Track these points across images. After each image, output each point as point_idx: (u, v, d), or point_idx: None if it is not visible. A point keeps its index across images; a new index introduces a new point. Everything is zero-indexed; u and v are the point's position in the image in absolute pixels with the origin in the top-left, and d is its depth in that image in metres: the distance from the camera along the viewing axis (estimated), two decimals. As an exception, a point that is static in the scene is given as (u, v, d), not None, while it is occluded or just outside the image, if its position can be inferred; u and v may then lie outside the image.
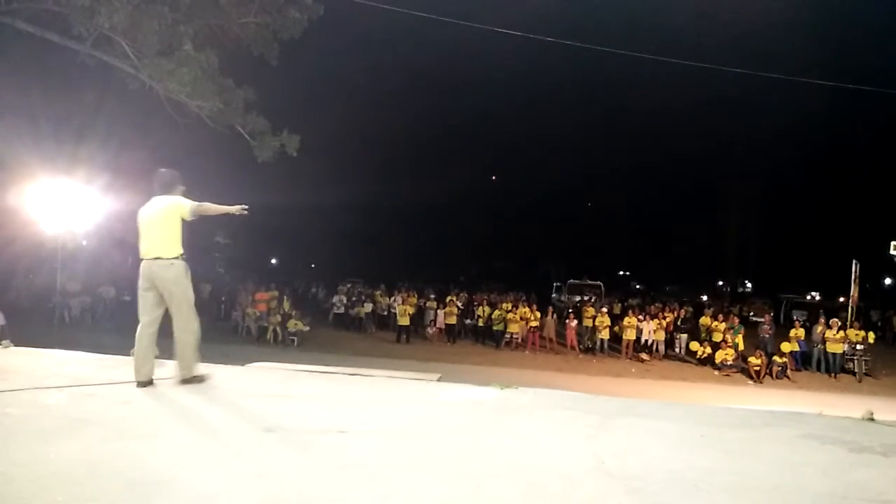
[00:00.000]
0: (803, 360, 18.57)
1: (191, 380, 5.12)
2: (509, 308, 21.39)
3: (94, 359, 6.46)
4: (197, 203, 5.15)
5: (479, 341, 21.70)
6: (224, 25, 13.90)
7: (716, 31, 34.42)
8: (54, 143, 15.43)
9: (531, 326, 20.52)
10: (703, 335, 20.07)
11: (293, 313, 20.98)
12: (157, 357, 5.11)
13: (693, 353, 19.52)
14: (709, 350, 18.92)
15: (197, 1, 13.20)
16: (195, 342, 5.12)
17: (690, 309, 22.90)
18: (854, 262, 18.30)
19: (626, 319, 20.19)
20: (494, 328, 21.22)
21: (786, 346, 18.02)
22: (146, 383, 4.98)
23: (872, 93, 17.65)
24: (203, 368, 5.26)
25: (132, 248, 5.55)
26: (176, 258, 5.07)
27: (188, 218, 5.12)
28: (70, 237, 17.07)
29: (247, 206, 5.38)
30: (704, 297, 33.21)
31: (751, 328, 21.81)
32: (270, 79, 16.34)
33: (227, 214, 5.39)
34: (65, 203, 12.97)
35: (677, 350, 20.11)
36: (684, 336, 20.33)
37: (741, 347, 18.74)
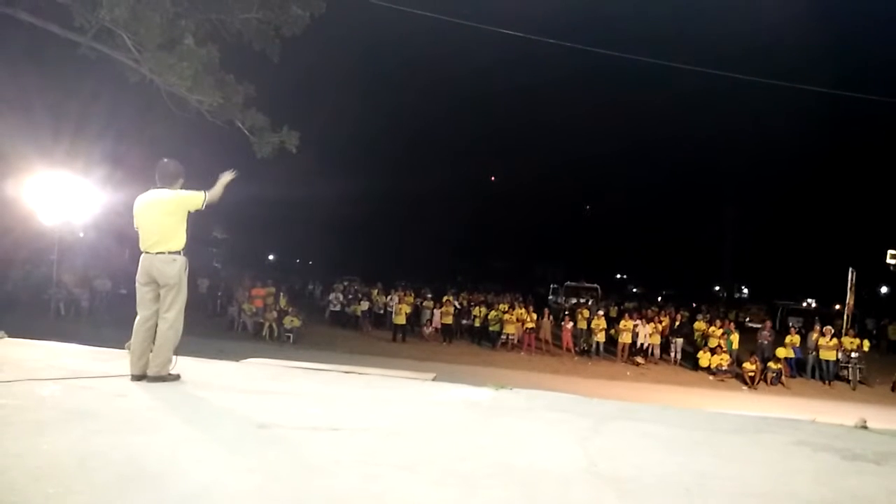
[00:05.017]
0: (798, 367, 18.64)
1: (162, 378, 4.99)
2: (506, 309, 21.41)
3: (89, 351, 6.46)
4: (207, 193, 5.17)
5: (475, 342, 21.72)
6: (225, 20, 13.87)
7: (715, 37, 34.47)
8: (53, 134, 15.38)
9: (527, 328, 20.56)
10: (699, 340, 20.11)
11: (289, 310, 20.99)
12: (152, 351, 5.09)
13: (688, 357, 19.51)
14: (709, 356, 18.89)
15: (199, -5, 13.20)
16: (176, 341, 5.07)
17: (686, 313, 22.92)
18: (850, 269, 18.36)
19: (623, 323, 20.24)
20: (490, 329, 21.26)
21: (781, 352, 18.03)
22: (141, 377, 4.98)
23: (872, 100, 17.70)
24: (177, 369, 5.15)
25: (129, 241, 5.53)
26: (178, 253, 5.06)
27: (202, 209, 5.16)
28: (68, 229, 17.02)
29: (234, 171, 5.40)
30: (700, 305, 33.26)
31: (746, 334, 21.84)
32: (271, 74, 16.32)
33: (226, 185, 5.34)
34: (63, 195, 12.93)
35: (672, 354, 20.14)
36: (680, 340, 20.36)
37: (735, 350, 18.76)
